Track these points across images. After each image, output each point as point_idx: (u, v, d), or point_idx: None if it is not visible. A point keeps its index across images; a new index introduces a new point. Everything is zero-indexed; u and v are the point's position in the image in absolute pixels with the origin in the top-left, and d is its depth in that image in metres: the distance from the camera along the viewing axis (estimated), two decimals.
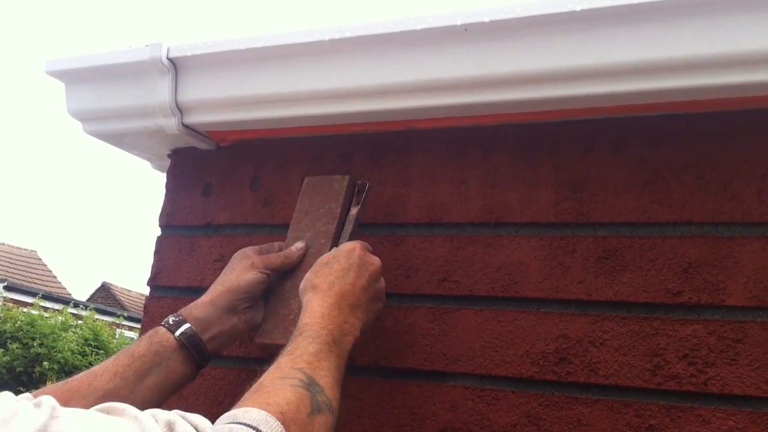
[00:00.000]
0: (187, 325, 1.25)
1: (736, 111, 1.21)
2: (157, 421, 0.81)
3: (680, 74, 1.15)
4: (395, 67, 1.31)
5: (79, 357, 13.42)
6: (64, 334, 13.55)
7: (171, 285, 1.58)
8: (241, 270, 1.32)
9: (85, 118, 1.58)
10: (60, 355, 12.96)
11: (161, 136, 1.55)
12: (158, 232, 1.63)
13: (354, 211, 1.36)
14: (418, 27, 1.27)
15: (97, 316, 15.57)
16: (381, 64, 1.31)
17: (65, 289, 23.37)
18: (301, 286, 1.22)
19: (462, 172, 1.38)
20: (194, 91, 1.46)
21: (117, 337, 15.29)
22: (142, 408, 1.18)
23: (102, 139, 1.61)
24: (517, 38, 1.22)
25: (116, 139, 1.61)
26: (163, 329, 1.24)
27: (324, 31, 1.33)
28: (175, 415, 0.83)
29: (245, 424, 0.87)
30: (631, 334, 1.20)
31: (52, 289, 20.49)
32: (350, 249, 1.25)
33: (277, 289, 1.36)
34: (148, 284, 1.60)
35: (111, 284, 26.31)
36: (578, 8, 1.16)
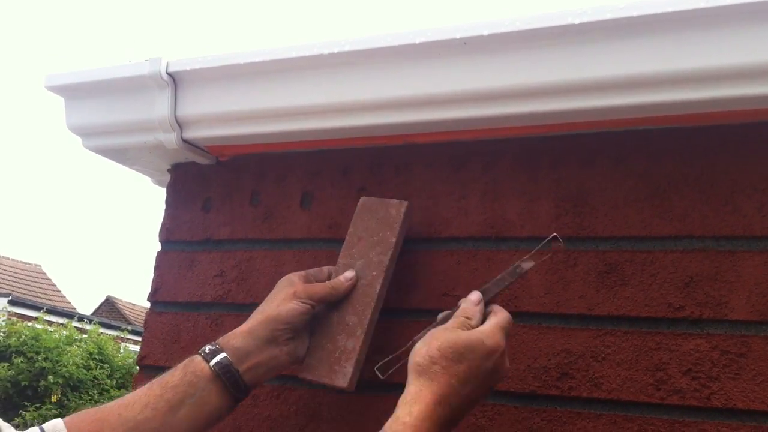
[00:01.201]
0: (222, 355, 1.18)
1: (737, 124, 1.20)
2: None
3: (680, 87, 1.14)
4: (394, 80, 1.30)
5: (84, 371, 13.38)
6: (68, 348, 13.53)
7: (171, 300, 1.57)
8: (282, 299, 1.24)
9: (85, 133, 1.58)
10: (65, 369, 12.93)
11: (161, 151, 1.54)
12: (159, 247, 1.63)
13: (528, 264, 1.16)
14: (417, 41, 1.26)
15: (101, 330, 15.55)
16: (380, 77, 1.31)
17: (70, 303, 23.37)
18: (417, 358, 1.06)
19: (462, 187, 1.37)
20: (193, 105, 1.45)
21: (122, 351, 15.27)
22: None
23: (102, 155, 1.61)
24: (517, 52, 1.22)
25: (116, 154, 1.61)
26: (199, 358, 1.19)
27: (323, 45, 1.33)
28: None
29: None
30: (634, 348, 1.19)
31: (57, 304, 20.49)
32: (492, 350, 1.06)
33: (323, 320, 1.30)
34: (148, 299, 1.60)
35: (115, 298, 26.29)
36: (577, 21, 1.16)
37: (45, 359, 12.96)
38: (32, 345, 13.15)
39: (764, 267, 1.14)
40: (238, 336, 1.21)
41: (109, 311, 25.16)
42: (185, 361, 1.20)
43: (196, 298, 1.54)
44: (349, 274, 1.31)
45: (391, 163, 1.45)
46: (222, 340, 1.21)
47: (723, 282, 1.16)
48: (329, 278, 1.32)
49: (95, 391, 13.29)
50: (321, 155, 1.51)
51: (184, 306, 1.55)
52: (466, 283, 1.32)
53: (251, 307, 1.46)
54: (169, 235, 1.62)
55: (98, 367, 13.80)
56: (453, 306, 1.31)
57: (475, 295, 1.15)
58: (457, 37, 1.24)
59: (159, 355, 1.54)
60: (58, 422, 1.11)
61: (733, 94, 1.12)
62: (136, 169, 1.70)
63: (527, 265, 1.16)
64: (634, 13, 1.13)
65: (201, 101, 1.45)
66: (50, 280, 23.91)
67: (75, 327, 14.88)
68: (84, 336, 14.58)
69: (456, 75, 1.26)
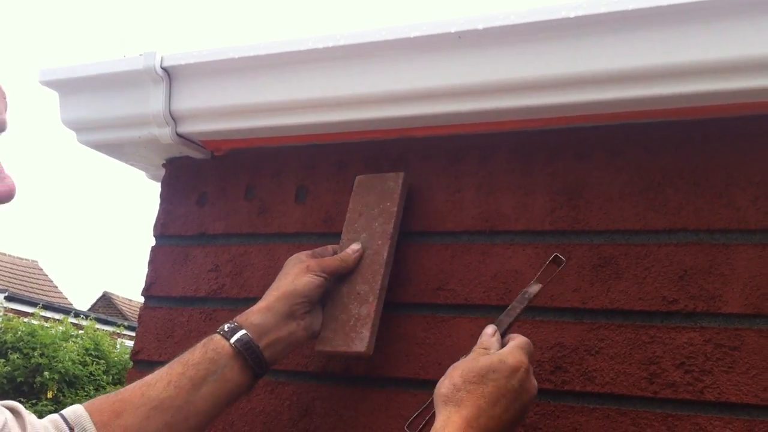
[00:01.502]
0: (242, 332, 1.20)
1: (731, 117, 1.20)
2: None
3: (675, 81, 1.14)
4: (389, 75, 1.30)
5: (80, 367, 13.37)
6: (64, 344, 13.51)
7: (165, 295, 1.57)
8: (296, 274, 1.26)
9: (79, 128, 1.58)
10: (61, 365, 12.92)
11: (155, 146, 1.54)
12: (153, 242, 1.63)
13: (535, 288, 1.18)
14: (412, 35, 1.26)
15: (97, 325, 15.53)
16: (375, 71, 1.31)
17: (66, 299, 23.36)
18: (442, 389, 1.06)
19: (457, 180, 1.37)
20: (188, 100, 1.45)
21: (118, 347, 15.26)
22: (201, 420, 1.15)
23: (96, 149, 1.61)
24: (512, 46, 1.22)
25: (110, 149, 1.60)
26: (218, 336, 1.20)
27: (318, 39, 1.33)
28: None
29: None
30: (627, 342, 1.19)
31: (53, 299, 20.48)
32: (515, 368, 1.06)
33: (334, 294, 1.32)
34: (142, 294, 1.59)
35: (112, 294, 26.29)
36: (572, 15, 1.15)
37: (41, 355, 12.94)
38: (28, 341, 13.12)
39: (758, 260, 1.14)
40: (256, 313, 1.23)
41: (106, 307, 25.15)
42: (204, 340, 1.20)
43: (190, 292, 1.54)
44: (356, 246, 1.33)
45: (387, 157, 1.45)
46: (240, 318, 1.22)
47: (717, 275, 1.16)
48: (334, 255, 1.34)
49: (91, 387, 13.27)
50: (316, 149, 1.50)
51: (178, 301, 1.55)
52: (460, 278, 1.32)
53: (245, 301, 1.46)
54: (163, 230, 1.61)
55: (94, 363, 13.79)
56: (448, 300, 1.32)
57: (489, 328, 1.16)
58: (452, 31, 1.24)
59: (153, 350, 1.54)
60: (77, 408, 1.12)
61: (728, 88, 1.12)
62: (131, 164, 1.69)
63: (534, 289, 1.17)
64: (630, 7, 1.13)
65: (195, 96, 1.45)
66: (47, 275, 23.90)
67: (71, 323, 14.87)
68: (80, 332, 14.56)
69: (451, 69, 1.26)
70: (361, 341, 1.26)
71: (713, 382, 1.13)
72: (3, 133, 0.88)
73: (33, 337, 13.20)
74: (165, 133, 1.47)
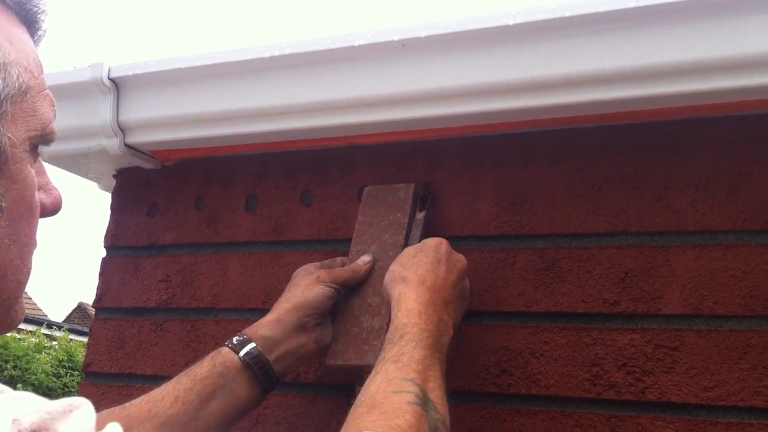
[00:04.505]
0: (252, 345, 1.16)
1: (670, 121, 1.22)
2: None
3: (612, 86, 1.16)
4: (334, 83, 1.31)
5: (54, 379, 13.25)
6: (38, 356, 13.39)
7: (116, 306, 1.56)
8: (307, 285, 1.23)
9: None
10: (34, 377, 12.80)
11: (105, 157, 1.53)
12: (104, 253, 1.62)
13: (420, 215, 1.30)
14: (357, 43, 1.27)
15: (72, 336, 15.39)
16: (320, 80, 1.32)
17: (41, 310, 23.11)
18: (388, 277, 1.15)
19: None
20: (136, 111, 1.45)
21: None
22: None
23: (45, 161, 1.59)
24: (454, 53, 1.23)
25: (60, 160, 1.59)
26: (227, 349, 1.16)
27: (263, 49, 1.33)
28: None
29: None
30: (570, 344, 1.20)
31: (28, 311, 20.17)
32: (437, 243, 1.18)
33: (344, 306, 1.28)
34: (93, 306, 1.58)
35: (87, 304, 26.01)
36: (511, 23, 1.17)
37: (14, 367, 12.81)
38: (1, 353, 12.98)
39: (696, 261, 1.16)
40: (266, 325, 1.20)
41: (82, 317, 24.90)
42: (212, 353, 1.17)
43: (140, 303, 1.53)
44: (366, 257, 1.29)
45: (335, 165, 1.45)
46: (248, 330, 1.19)
47: (657, 277, 1.17)
48: (343, 266, 1.31)
49: None
50: (265, 158, 1.50)
51: (129, 312, 1.54)
52: None
53: (196, 312, 1.46)
54: (114, 241, 1.60)
55: (68, 374, 13.66)
56: None
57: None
58: (395, 39, 1.24)
59: (104, 362, 1.53)
60: None
61: (666, 92, 1.14)
62: (82, 175, 1.68)
63: (420, 216, 1.31)
64: (567, 14, 1.14)
65: (143, 106, 1.44)
66: None
67: (44, 334, 14.72)
68: (54, 343, 14.42)
69: (395, 76, 1.27)
70: (374, 354, 1.19)
71: (654, 383, 1.14)
72: (52, 144, 0.86)
73: (5, 349, 13.06)
74: (113, 144, 1.46)
